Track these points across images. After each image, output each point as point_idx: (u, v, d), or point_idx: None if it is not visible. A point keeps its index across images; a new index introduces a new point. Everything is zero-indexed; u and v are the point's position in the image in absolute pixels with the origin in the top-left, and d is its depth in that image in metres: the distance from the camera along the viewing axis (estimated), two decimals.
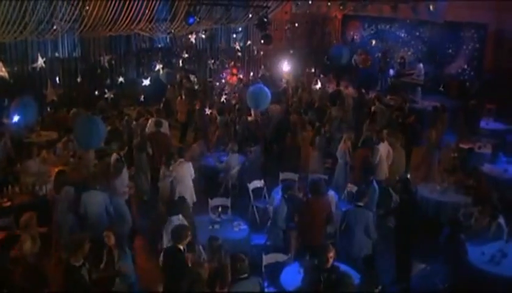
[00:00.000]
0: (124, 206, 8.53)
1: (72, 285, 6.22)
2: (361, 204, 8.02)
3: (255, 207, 10.30)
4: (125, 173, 9.45)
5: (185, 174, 9.63)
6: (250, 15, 18.09)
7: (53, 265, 7.56)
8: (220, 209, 8.84)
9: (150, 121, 12.54)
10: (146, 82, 13.80)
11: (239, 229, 8.46)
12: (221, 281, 5.99)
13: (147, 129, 12.33)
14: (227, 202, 9.40)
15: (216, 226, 8.42)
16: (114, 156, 9.95)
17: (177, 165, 9.66)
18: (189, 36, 17.97)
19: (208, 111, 13.54)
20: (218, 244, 6.67)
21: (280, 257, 7.57)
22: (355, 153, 11.13)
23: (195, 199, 9.71)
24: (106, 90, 14.13)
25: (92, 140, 8.24)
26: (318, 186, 8.24)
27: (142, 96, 13.50)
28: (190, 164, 9.88)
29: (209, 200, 9.38)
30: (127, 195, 9.29)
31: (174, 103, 15.27)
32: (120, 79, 15.37)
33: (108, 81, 16.86)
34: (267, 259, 7.55)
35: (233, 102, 15.52)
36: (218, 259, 6.48)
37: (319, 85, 16.40)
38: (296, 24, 22.70)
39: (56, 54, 16.10)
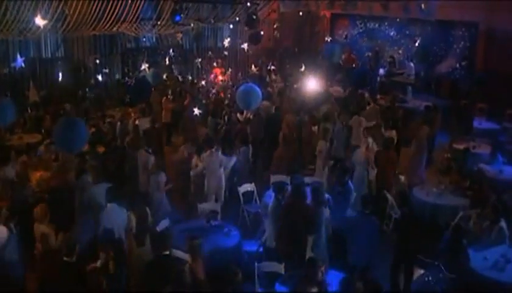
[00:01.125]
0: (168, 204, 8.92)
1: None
2: (367, 211, 7.67)
3: (245, 212, 9.89)
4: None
5: (215, 165, 9.77)
6: (238, 14, 17.75)
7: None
8: (210, 215, 8.39)
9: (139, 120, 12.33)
10: (131, 82, 13.28)
11: (230, 235, 8.01)
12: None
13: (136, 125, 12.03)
14: (217, 207, 8.97)
15: (205, 233, 7.97)
16: (142, 152, 9.85)
17: (207, 155, 9.79)
18: (176, 35, 17.56)
19: (196, 111, 13.10)
20: (197, 243, 6.53)
21: (274, 266, 7.16)
22: (379, 155, 10.60)
23: (224, 190, 9.92)
24: (87, 90, 13.63)
25: (73, 143, 7.76)
26: (299, 189, 7.75)
27: (128, 97, 13.03)
28: (220, 154, 9.93)
29: (198, 205, 8.93)
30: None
31: (158, 104, 14.80)
32: (102, 78, 14.89)
33: (93, 81, 16.40)
34: (260, 267, 7.14)
35: (225, 102, 15.10)
36: (199, 258, 6.45)
37: (311, 84, 16.01)
38: (284, 23, 22.38)
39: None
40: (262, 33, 15.92)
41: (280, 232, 7.57)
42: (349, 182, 9.00)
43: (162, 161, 11.24)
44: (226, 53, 20.27)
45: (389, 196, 9.95)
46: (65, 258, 6.24)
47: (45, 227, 7.41)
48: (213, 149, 9.93)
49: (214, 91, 16.76)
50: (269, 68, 19.96)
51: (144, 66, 14.66)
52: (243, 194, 9.95)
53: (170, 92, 15.10)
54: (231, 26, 20.07)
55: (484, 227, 8.29)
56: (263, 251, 8.09)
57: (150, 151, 10.02)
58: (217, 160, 9.89)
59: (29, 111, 13.93)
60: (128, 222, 7.33)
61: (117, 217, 7.43)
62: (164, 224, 8.17)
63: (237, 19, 18.34)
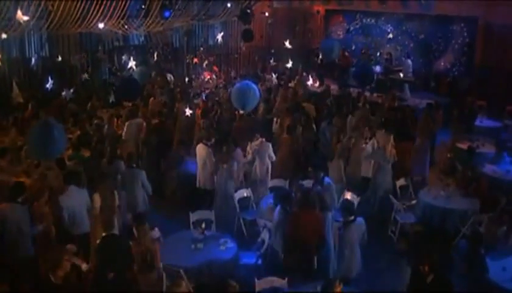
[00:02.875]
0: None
1: None
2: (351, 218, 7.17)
3: (241, 220, 9.25)
4: None
5: (264, 154, 9.90)
6: (230, 10, 17.14)
7: None
8: (203, 225, 7.73)
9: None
10: (117, 81, 12.48)
11: (226, 247, 7.34)
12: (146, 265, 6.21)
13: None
14: (211, 215, 8.31)
15: (199, 245, 7.31)
16: (201, 146, 9.76)
17: (258, 144, 9.92)
18: (166, 32, 16.94)
19: (187, 112, 12.45)
20: (145, 228, 6.73)
21: (276, 281, 6.53)
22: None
23: (269, 178, 9.95)
24: (64, 90, 12.89)
25: (48, 149, 7.08)
26: (308, 197, 7.09)
27: (113, 97, 12.31)
28: (269, 145, 10.09)
29: (191, 214, 8.25)
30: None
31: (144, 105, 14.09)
32: (85, 76, 14.25)
33: (78, 81, 15.75)
34: (261, 283, 6.51)
35: (217, 99, 14.47)
36: (144, 242, 6.58)
37: (310, 82, 15.48)
38: (277, 20, 21.81)
39: None
40: (252, 30, 15.32)
41: (287, 245, 7.00)
42: (326, 178, 8.51)
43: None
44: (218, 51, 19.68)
45: (394, 200, 9.39)
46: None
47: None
48: (263, 139, 10.04)
49: (207, 90, 16.10)
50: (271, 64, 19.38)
51: (131, 64, 13.92)
52: (239, 200, 9.28)
53: (159, 92, 14.43)
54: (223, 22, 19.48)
55: (499, 234, 7.74)
56: (262, 264, 7.44)
57: (209, 144, 9.90)
58: (267, 149, 9.95)
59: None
60: (93, 204, 7.73)
61: (78, 199, 7.62)
62: (154, 235, 7.56)
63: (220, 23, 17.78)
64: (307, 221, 6.84)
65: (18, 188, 7.43)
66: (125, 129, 11.62)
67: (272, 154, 10.07)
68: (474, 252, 6.81)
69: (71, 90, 12.96)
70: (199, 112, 12.76)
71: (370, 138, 10.50)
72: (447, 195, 9.38)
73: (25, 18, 11.74)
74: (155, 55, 17.94)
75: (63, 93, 12.95)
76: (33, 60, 12.42)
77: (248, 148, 10.16)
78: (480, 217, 8.55)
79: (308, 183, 8.99)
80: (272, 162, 10.14)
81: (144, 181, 8.75)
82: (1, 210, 7.10)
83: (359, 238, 7.18)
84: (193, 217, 8.19)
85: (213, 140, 10.10)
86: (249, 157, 10.06)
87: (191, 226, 8.06)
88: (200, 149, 9.82)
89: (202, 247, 7.30)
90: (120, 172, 8.88)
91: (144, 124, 11.79)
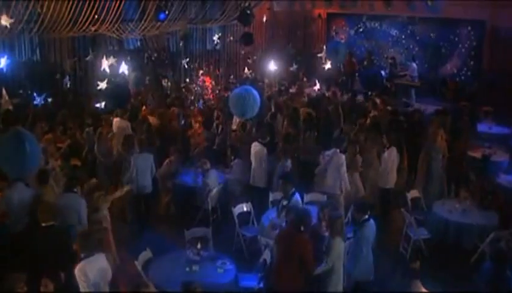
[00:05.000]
0: None
1: None
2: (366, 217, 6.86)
3: (241, 236, 8.56)
4: None
5: (335, 165, 9.23)
6: (228, 13, 16.59)
7: None
8: (199, 245, 7.01)
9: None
10: (102, 86, 11.68)
11: (224, 270, 6.65)
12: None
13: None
14: (208, 233, 7.60)
15: (195, 267, 6.58)
16: (256, 145, 9.73)
17: (331, 153, 9.34)
18: (163, 36, 16.37)
19: (182, 120, 11.81)
20: (100, 216, 7.10)
21: None
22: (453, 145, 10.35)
23: (343, 190, 9.28)
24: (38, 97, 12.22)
25: (19, 165, 6.34)
26: (302, 219, 6.36)
27: (103, 103, 11.62)
28: (342, 156, 9.34)
29: (186, 231, 7.52)
30: None
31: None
32: (66, 81, 13.65)
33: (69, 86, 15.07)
34: None
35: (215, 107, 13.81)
36: (98, 230, 6.50)
37: (316, 88, 14.89)
38: (277, 23, 21.23)
39: None
40: (252, 34, 14.75)
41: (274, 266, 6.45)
42: (296, 194, 7.95)
43: None
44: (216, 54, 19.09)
45: (406, 214, 8.70)
46: None
47: None
48: (337, 149, 9.39)
49: (205, 96, 15.47)
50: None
51: (123, 68, 13.22)
52: (238, 215, 8.56)
53: (152, 98, 13.81)
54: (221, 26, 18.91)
55: None
56: (263, 287, 6.75)
57: (264, 143, 9.78)
58: (339, 160, 9.25)
59: None
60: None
61: (25, 194, 7.26)
62: (145, 256, 6.88)
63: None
64: (291, 244, 6.25)
65: (74, 179, 7.61)
66: (114, 124, 11.08)
67: (344, 168, 9.24)
68: (500, 273, 6.11)
69: (42, 97, 12.22)
70: (195, 120, 12.14)
71: (389, 147, 9.94)
72: (462, 209, 8.71)
73: (10, 21, 11.15)
74: (148, 59, 17.29)
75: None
76: (1, 62, 11.62)
77: (320, 157, 9.62)
78: (500, 233, 7.87)
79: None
80: None
81: (153, 163, 9.33)
82: (58, 200, 7.29)
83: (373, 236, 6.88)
84: (188, 234, 7.48)
85: (267, 139, 10.00)
86: (319, 167, 9.49)
87: (186, 245, 7.35)
88: (256, 148, 9.74)
89: (197, 270, 6.60)
90: (134, 158, 9.18)
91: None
